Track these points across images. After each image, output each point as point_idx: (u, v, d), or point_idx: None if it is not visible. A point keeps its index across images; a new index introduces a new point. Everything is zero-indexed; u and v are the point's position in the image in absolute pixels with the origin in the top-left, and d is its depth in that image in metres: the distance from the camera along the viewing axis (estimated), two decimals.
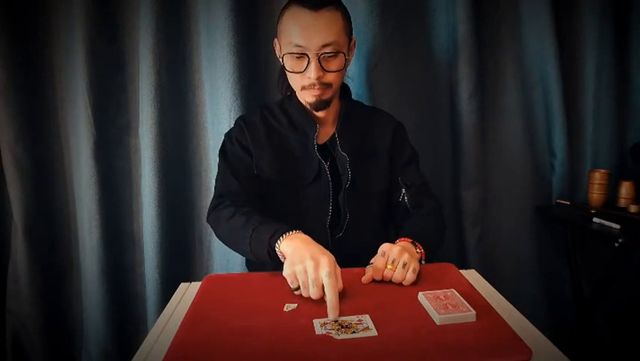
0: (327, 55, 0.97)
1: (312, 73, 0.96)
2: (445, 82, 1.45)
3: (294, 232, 0.86)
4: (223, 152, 1.11)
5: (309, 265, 0.76)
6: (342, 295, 0.79)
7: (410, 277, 0.83)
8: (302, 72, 0.98)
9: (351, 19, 1.05)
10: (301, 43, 0.95)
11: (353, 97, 1.21)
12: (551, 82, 1.47)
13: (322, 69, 0.97)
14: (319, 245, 0.82)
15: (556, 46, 1.44)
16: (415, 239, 0.94)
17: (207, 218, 1.06)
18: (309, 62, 0.96)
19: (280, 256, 0.86)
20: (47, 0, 1.32)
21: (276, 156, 1.07)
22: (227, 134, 1.13)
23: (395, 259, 0.84)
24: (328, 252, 0.80)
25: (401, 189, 1.10)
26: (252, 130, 1.09)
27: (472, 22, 1.37)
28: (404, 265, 0.83)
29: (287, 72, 1.01)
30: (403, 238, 0.94)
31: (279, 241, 0.85)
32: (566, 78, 1.49)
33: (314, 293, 0.75)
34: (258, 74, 1.36)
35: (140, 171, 1.38)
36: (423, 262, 0.93)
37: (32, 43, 1.33)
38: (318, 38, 0.94)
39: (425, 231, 1.02)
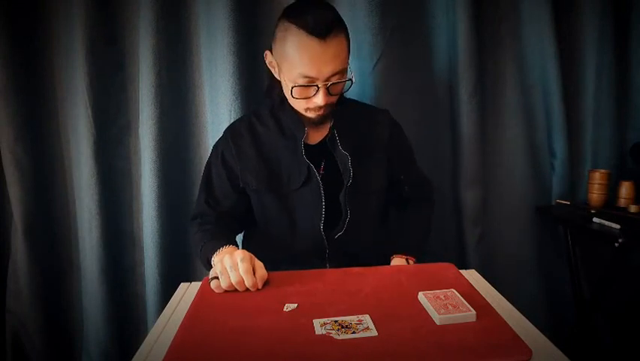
0: (334, 83, 0.97)
1: (321, 100, 0.97)
2: (445, 82, 1.45)
3: (225, 247, 0.94)
4: (207, 168, 1.14)
5: (226, 258, 0.83)
6: (343, 295, 0.79)
7: None
8: (309, 98, 0.99)
9: (351, 19, 1.06)
10: (311, 74, 0.94)
11: (353, 96, 1.21)
12: (551, 82, 1.47)
13: (329, 94, 0.98)
14: None
15: (557, 46, 1.44)
16: (409, 253, 1.04)
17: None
18: (317, 90, 0.96)
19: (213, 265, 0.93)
20: (47, 0, 1.32)
21: (263, 164, 1.07)
22: (215, 146, 1.14)
23: None
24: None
25: (398, 183, 1.13)
26: (237, 141, 1.09)
27: (472, 22, 1.37)
28: None
29: (290, 98, 1.00)
30: (397, 255, 1.05)
31: (213, 257, 0.93)
32: (566, 78, 1.49)
33: (233, 276, 0.80)
34: (258, 74, 1.36)
35: (140, 171, 1.38)
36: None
37: (32, 43, 1.33)
38: (329, 69, 0.93)
39: (417, 236, 1.12)
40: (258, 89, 1.36)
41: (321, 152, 1.08)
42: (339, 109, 1.10)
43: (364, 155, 1.09)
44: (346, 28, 0.99)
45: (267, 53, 1.04)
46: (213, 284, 0.82)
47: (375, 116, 1.16)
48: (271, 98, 1.13)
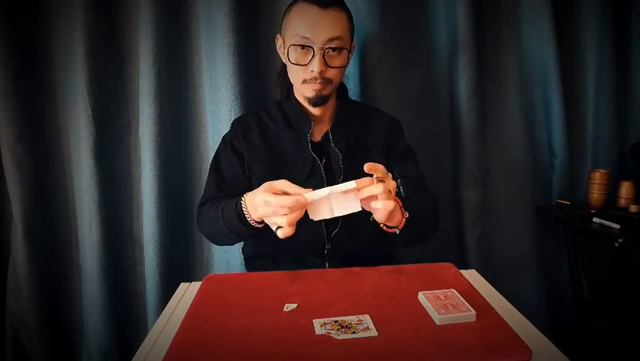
0: (331, 50, 0.98)
1: (316, 66, 0.98)
2: (445, 82, 1.45)
3: (245, 195, 0.91)
4: (215, 158, 1.14)
5: (258, 204, 0.83)
6: (343, 295, 0.79)
7: (387, 205, 0.79)
8: (305, 65, 0.99)
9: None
10: (308, 35, 0.97)
11: (353, 97, 1.21)
12: (551, 82, 1.47)
13: (325, 64, 0.99)
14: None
15: (556, 46, 1.44)
16: (405, 207, 0.91)
17: (197, 225, 1.12)
18: (313, 55, 0.98)
19: (246, 212, 0.90)
20: (48, 1, 1.32)
21: (270, 155, 1.08)
22: (223, 138, 1.15)
23: (387, 186, 0.81)
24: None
25: (397, 180, 1.10)
26: (245, 131, 1.10)
27: (472, 21, 1.37)
28: (389, 191, 0.81)
29: (289, 65, 1.02)
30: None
31: (242, 201, 0.91)
32: (566, 78, 1.49)
33: (279, 210, 0.79)
34: (258, 74, 1.36)
35: (140, 171, 1.38)
36: (397, 231, 0.91)
37: (33, 43, 1.33)
38: (325, 33, 0.96)
39: (418, 207, 0.98)
40: (258, 89, 1.36)
41: (322, 149, 1.09)
42: (340, 107, 1.11)
43: (360, 153, 1.09)
44: (350, 13, 1.03)
45: (278, 36, 1.08)
46: (280, 233, 0.79)
47: (375, 115, 1.17)
48: (280, 91, 1.16)
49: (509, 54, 1.48)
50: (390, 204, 0.80)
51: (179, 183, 1.39)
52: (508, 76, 1.49)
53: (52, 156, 1.41)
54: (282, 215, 0.79)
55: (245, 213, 0.91)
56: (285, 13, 1.04)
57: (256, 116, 1.13)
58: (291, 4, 1.02)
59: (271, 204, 0.79)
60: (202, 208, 1.08)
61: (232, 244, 1.12)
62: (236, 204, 0.92)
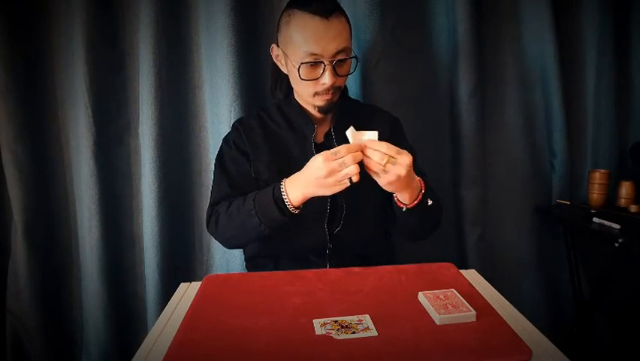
0: (339, 61, 0.99)
1: (328, 79, 0.98)
2: (445, 82, 1.45)
3: (283, 181, 0.94)
4: (220, 159, 1.12)
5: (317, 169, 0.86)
6: (343, 295, 0.79)
7: (385, 180, 0.87)
8: (316, 79, 0.99)
9: (351, 19, 1.06)
10: (317, 51, 0.96)
11: (354, 96, 1.21)
12: (551, 82, 1.47)
13: (336, 74, 0.99)
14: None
15: (556, 46, 1.44)
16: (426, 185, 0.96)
17: (207, 227, 1.08)
18: (324, 69, 0.98)
19: (285, 197, 0.92)
20: (48, 1, 1.32)
21: (274, 157, 1.08)
22: (225, 139, 1.14)
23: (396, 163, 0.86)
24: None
25: None
26: (249, 132, 1.10)
27: (472, 21, 1.37)
28: (395, 174, 0.85)
29: (297, 79, 1.01)
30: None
31: (281, 187, 0.93)
32: (566, 78, 1.49)
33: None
34: (258, 74, 1.36)
35: (140, 171, 1.38)
36: (429, 202, 0.95)
37: (33, 43, 1.33)
38: (333, 46, 0.96)
39: (432, 196, 1.01)
40: (258, 89, 1.36)
41: (324, 149, 1.08)
42: (341, 106, 1.11)
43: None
44: (347, 16, 1.03)
45: (273, 46, 1.07)
46: (355, 179, 0.85)
47: (375, 114, 1.17)
48: (275, 96, 1.16)
49: (509, 54, 1.48)
50: (401, 170, 0.85)
51: (179, 183, 1.39)
52: (508, 76, 1.49)
53: (52, 156, 1.41)
54: (348, 165, 0.83)
55: (284, 197, 0.92)
56: (281, 25, 1.02)
57: (258, 117, 1.13)
58: (287, 15, 0.99)
59: (340, 153, 0.83)
60: (217, 208, 1.05)
61: (254, 241, 1.09)
62: (273, 191, 0.93)
